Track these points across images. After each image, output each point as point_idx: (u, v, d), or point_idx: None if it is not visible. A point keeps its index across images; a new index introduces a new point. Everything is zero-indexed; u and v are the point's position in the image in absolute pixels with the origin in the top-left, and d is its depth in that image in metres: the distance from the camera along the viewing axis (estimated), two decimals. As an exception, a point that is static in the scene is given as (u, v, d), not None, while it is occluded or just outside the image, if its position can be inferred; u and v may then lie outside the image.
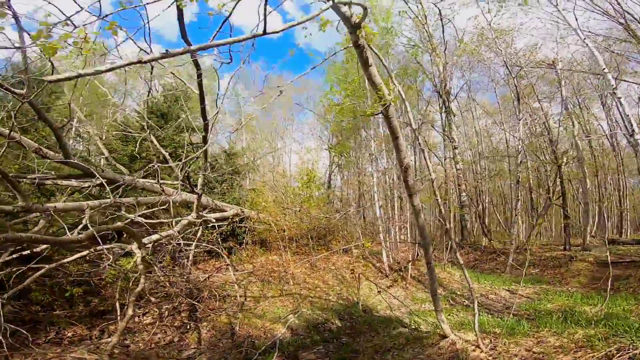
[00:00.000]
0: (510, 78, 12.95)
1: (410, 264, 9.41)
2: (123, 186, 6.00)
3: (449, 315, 6.23)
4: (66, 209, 5.00)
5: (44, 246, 4.52)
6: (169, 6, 2.34)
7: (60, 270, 4.67)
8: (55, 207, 4.64)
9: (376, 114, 3.16)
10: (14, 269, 3.80)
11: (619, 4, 8.22)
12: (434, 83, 15.83)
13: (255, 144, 22.57)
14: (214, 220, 7.42)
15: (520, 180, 12.57)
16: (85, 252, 4.39)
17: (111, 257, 4.19)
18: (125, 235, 5.78)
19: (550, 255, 11.71)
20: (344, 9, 2.47)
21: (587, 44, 7.92)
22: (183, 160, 4.87)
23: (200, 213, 6.54)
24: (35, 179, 5.30)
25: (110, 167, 7.89)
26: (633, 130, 7.81)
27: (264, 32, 2.08)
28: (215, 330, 5.39)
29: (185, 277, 6.37)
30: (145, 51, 4.34)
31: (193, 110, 11.02)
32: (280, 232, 8.87)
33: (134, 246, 4.49)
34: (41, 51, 4.27)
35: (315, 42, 42.21)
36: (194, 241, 6.90)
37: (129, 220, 4.55)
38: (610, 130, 16.88)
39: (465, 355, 3.94)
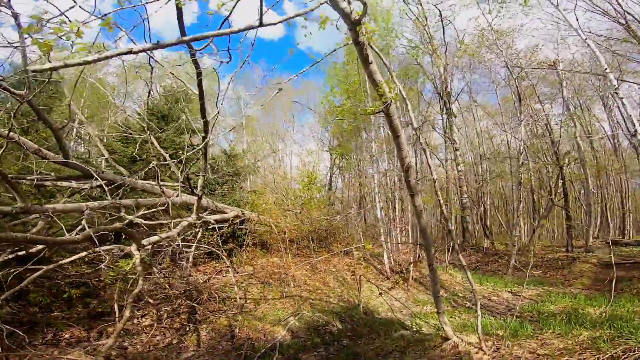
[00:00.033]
0: (512, 79, 12.94)
1: (411, 265, 9.35)
2: (123, 188, 5.99)
3: (451, 317, 6.17)
4: (65, 210, 4.97)
5: (43, 248, 4.49)
6: (167, 1, 2.32)
7: (59, 272, 4.63)
8: (54, 208, 4.61)
9: (377, 112, 3.13)
10: (12, 270, 3.77)
11: (619, 4, 8.20)
12: (434, 85, 15.83)
13: (256, 146, 22.57)
14: (214, 222, 7.38)
15: (522, 181, 12.51)
16: (83, 254, 4.36)
17: (108, 258, 4.16)
18: (123, 237, 5.75)
19: (553, 257, 11.63)
20: (344, 4, 2.45)
21: (588, 44, 7.89)
22: (183, 161, 4.85)
23: (200, 215, 6.50)
24: (35, 180, 5.28)
25: (111, 169, 7.87)
26: (635, 131, 7.76)
27: (260, 24, 2.06)
28: (214, 333, 5.34)
29: (185, 279, 6.32)
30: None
31: (194, 112, 11.04)
32: (281, 234, 8.82)
33: (132, 248, 4.46)
34: (41, 50, 4.28)
35: (316, 45, 42.32)
36: (194, 243, 6.87)
37: (128, 221, 4.52)
38: (612, 131, 16.83)
39: (469, 357, 3.89)
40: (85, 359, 3.49)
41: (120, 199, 5.55)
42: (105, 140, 9.74)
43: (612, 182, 19.20)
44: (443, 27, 14.62)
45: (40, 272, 3.86)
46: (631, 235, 17.45)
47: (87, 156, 9.67)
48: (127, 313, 3.24)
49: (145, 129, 7.13)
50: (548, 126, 13.95)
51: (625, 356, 3.01)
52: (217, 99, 4.82)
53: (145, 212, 5.92)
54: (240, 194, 10.50)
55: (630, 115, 7.96)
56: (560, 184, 12.99)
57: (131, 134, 8.21)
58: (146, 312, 5.32)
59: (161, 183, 6.50)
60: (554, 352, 3.50)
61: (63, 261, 4.20)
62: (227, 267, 7.29)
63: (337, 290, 8.06)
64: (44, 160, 5.15)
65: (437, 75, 15.39)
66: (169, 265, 6.47)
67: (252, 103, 22.36)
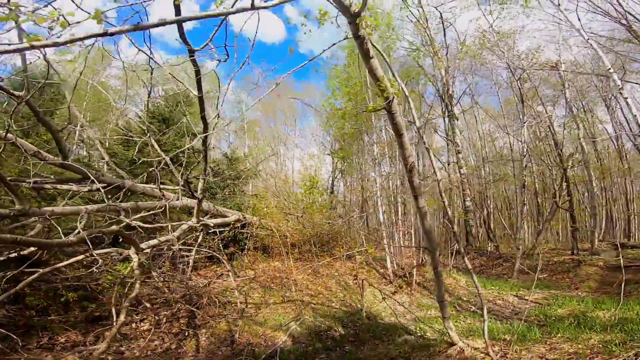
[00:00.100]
0: (513, 81, 12.87)
1: (415, 269, 9.22)
2: (123, 191, 5.94)
3: (456, 322, 6.04)
4: (64, 213, 4.93)
5: (41, 251, 4.43)
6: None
7: (57, 275, 4.57)
8: (52, 211, 4.56)
9: (379, 110, 3.07)
10: (9, 273, 3.71)
11: (620, 5, 8.16)
12: (436, 87, 15.79)
13: (258, 150, 22.56)
14: (215, 226, 7.31)
15: (525, 184, 12.38)
16: (80, 257, 4.29)
17: (106, 261, 4.09)
18: (121, 240, 5.69)
19: (558, 260, 11.47)
20: (343, -3, 2.39)
21: (591, 44, 7.83)
22: (184, 164, 4.80)
23: (200, 218, 6.44)
24: (33, 182, 5.24)
25: (111, 172, 7.85)
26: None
27: (252, 6, 2.01)
28: (214, 338, 5.24)
29: (185, 283, 6.24)
30: (145, 52, 4.34)
31: (195, 116, 11.03)
32: (282, 238, 8.73)
33: (131, 251, 4.39)
34: (44, 54, 4.25)
35: (317, 48, 42.67)
36: (194, 247, 6.79)
37: (126, 224, 4.46)
38: (615, 132, 16.68)
39: (475, 362, 3.77)
40: (79, 363, 3.41)
41: (120, 202, 5.50)
42: (106, 143, 9.74)
43: (617, 185, 19.01)
44: (444, 29, 14.62)
45: (35, 275, 3.79)
46: (636, 237, 17.21)
47: (88, 159, 9.65)
48: (122, 317, 3.16)
49: (146, 131, 7.12)
50: (551, 128, 13.83)
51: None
52: (217, 101, 4.79)
53: (146, 215, 5.86)
54: (241, 197, 10.44)
55: (636, 116, 7.87)
56: (564, 187, 12.85)
57: (132, 137, 8.19)
58: (145, 317, 5.23)
59: (161, 186, 6.46)
60: (564, 357, 3.38)
61: (60, 264, 4.14)
62: (228, 271, 7.19)
63: (340, 294, 7.94)
64: (43, 161, 5.12)
65: (439, 77, 15.36)
66: (169, 269, 6.39)
67: (251, 101, 22.25)
